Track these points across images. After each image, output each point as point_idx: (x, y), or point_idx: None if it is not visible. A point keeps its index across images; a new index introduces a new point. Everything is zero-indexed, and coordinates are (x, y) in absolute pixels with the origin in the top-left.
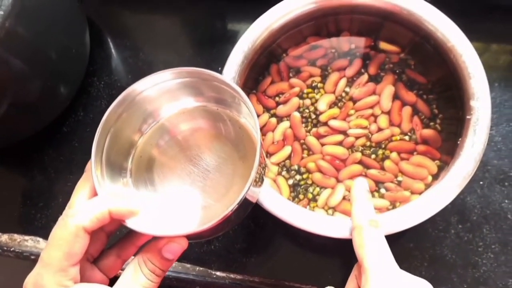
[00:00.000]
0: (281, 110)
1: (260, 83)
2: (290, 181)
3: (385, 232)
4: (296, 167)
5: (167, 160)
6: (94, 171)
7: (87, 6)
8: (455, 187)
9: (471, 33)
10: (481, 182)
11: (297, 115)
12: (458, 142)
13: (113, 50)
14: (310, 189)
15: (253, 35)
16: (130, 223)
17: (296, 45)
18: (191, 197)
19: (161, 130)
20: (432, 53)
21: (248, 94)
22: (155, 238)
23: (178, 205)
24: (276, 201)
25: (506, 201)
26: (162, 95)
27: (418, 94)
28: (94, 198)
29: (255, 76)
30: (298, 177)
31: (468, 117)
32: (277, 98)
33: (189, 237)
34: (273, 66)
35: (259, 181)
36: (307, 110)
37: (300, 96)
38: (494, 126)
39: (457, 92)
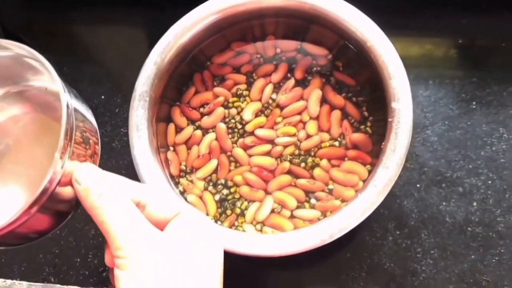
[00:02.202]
0: (206, 121)
1: (184, 94)
2: (217, 197)
3: (310, 246)
4: (223, 181)
5: None
6: None
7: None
8: (377, 195)
9: (402, 30)
10: (418, 185)
11: (222, 126)
12: (382, 147)
13: None
14: (238, 204)
15: (166, 44)
16: None
17: (220, 52)
18: (17, 194)
19: None
20: (357, 54)
21: (170, 106)
22: None
23: (2, 204)
24: None
25: (444, 203)
26: None
27: (347, 97)
28: None
29: (178, 86)
30: (225, 191)
31: (389, 119)
32: (201, 109)
33: None
34: (197, 75)
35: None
36: (233, 120)
37: (226, 106)
38: (429, 126)
39: (382, 94)
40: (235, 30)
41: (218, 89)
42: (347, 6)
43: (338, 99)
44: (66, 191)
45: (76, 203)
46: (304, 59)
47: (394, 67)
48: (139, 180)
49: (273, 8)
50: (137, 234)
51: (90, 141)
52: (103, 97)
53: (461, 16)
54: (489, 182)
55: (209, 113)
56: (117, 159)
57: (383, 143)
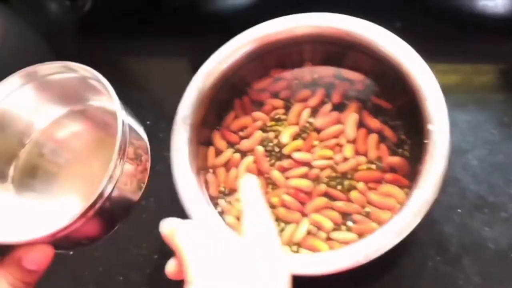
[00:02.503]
0: (244, 144)
1: (224, 118)
2: None
3: (344, 267)
4: None
5: (51, 167)
6: None
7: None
8: (413, 217)
9: (441, 55)
10: (459, 210)
11: (260, 149)
12: (419, 169)
13: None
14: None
15: (208, 70)
16: None
17: (259, 78)
18: (73, 203)
19: (42, 140)
20: (394, 78)
21: (211, 130)
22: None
23: (59, 212)
24: None
25: (486, 228)
26: (26, 109)
27: (384, 121)
28: None
29: (218, 111)
30: None
31: (426, 141)
32: (241, 133)
33: (53, 243)
34: (237, 100)
35: (131, 183)
36: (270, 144)
37: (264, 130)
38: (470, 150)
39: (419, 117)
40: (273, 57)
41: (256, 114)
42: (383, 32)
43: (375, 123)
44: (117, 201)
45: (124, 213)
46: (341, 84)
47: (430, 89)
48: (179, 200)
49: (309, 35)
50: (208, 271)
51: (142, 158)
52: (148, 122)
53: (502, 41)
54: None
55: (247, 137)
56: (159, 181)
57: (419, 165)
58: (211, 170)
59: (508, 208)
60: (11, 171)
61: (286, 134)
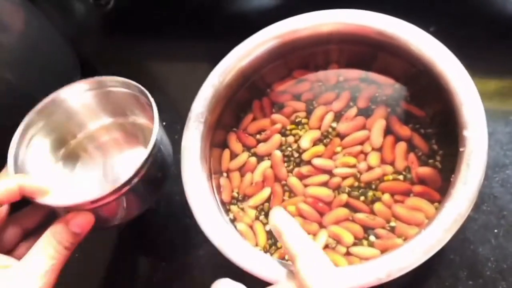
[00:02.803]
0: (261, 148)
1: (242, 120)
2: (268, 227)
3: (364, 284)
4: None
5: (90, 161)
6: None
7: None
8: (443, 232)
9: (481, 62)
10: (495, 230)
11: (278, 154)
12: (451, 179)
13: None
14: None
15: (225, 66)
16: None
17: (281, 80)
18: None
19: (88, 139)
20: (427, 83)
21: (227, 132)
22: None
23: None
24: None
25: None
26: (84, 112)
27: (415, 128)
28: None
29: (236, 112)
30: None
31: (461, 149)
32: (258, 136)
33: (93, 210)
34: (256, 102)
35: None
36: (289, 148)
37: (283, 133)
38: (510, 165)
39: (453, 125)
40: (296, 57)
41: (276, 116)
42: (417, 31)
43: (404, 130)
44: (148, 183)
45: (153, 195)
46: (368, 87)
47: (466, 93)
48: (187, 200)
49: (336, 33)
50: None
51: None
52: (164, 123)
53: None
54: None
55: (265, 140)
56: (171, 184)
57: (452, 176)
58: (225, 174)
59: None
60: (62, 152)
61: (306, 139)
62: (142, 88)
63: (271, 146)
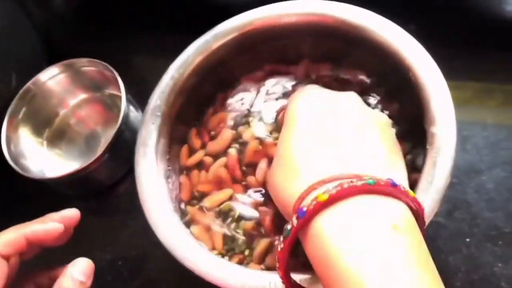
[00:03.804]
0: (211, 147)
1: (205, 115)
2: (225, 230)
3: None
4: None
5: (75, 134)
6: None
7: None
8: None
9: (460, 65)
10: (468, 239)
11: (232, 152)
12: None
13: None
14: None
15: (185, 58)
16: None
17: (250, 73)
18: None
19: (70, 114)
20: (398, 81)
21: (189, 127)
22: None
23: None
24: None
25: (500, 264)
26: (62, 89)
27: None
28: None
29: (200, 107)
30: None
31: (427, 147)
32: (213, 132)
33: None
34: (220, 95)
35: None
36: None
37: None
38: (486, 171)
39: (423, 121)
40: (266, 50)
41: (233, 108)
42: (390, 25)
43: None
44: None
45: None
46: (338, 86)
47: (436, 88)
48: (139, 199)
49: (299, 25)
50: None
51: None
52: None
53: None
54: None
55: (216, 136)
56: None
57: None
58: (184, 172)
59: None
60: (46, 132)
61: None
62: (107, 65)
63: (221, 143)
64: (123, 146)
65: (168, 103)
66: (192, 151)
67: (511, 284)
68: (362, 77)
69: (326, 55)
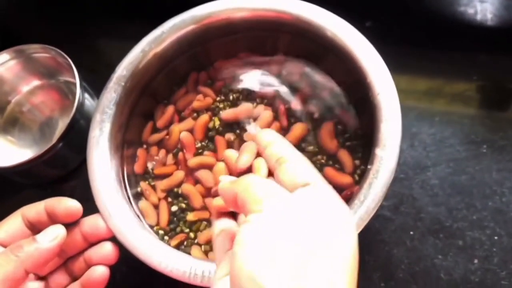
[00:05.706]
0: (175, 128)
1: (175, 93)
2: (174, 208)
3: None
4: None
5: (27, 122)
6: None
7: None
8: None
9: (410, 61)
10: (411, 232)
11: (188, 136)
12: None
13: None
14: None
15: (159, 34)
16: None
17: (225, 58)
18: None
19: (23, 102)
20: (363, 93)
21: (157, 103)
22: None
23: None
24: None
25: (440, 256)
26: (14, 76)
27: (344, 139)
28: None
29: (170, 84)
30: (183, 204)
31: (369, 166)
32: (183, 113)
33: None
34: (192, 74)
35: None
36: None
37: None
38: (431, 167)
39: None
40: (245, 38)
41: (204, 89)
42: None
43: (332, 143)
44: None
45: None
46: (306, 86)
47: (389, 110)
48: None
49: (287, 20)
50: (275, 190)
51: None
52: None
53: (478, 52)
54: (495, 237)
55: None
56: None
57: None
58: (144, 146)
59: (466, 236)
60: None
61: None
62: (60, 51)
63: (188, 125)
64: (78, 135)
65: (134, 75)
66: (154, 128)
67: (450, 275)
68: (332, 84)
69: (301, 53)
